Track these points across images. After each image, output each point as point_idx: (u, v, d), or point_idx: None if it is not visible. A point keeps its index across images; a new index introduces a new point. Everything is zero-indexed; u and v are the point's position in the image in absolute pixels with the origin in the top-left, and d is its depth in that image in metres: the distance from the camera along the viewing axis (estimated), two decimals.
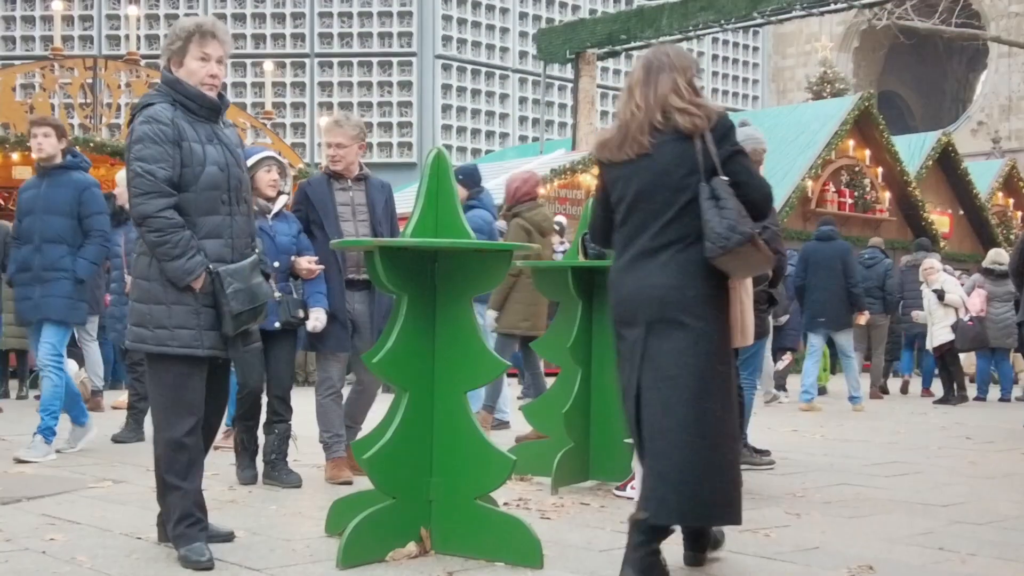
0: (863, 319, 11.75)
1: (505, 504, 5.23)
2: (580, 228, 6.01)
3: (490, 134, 31.21)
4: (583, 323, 5.88)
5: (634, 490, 5.52)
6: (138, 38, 17.44)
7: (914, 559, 4.21)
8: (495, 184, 18.52)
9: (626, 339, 3.83)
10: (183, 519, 3.95)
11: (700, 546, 4.05)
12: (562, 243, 10.91)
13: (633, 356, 3.77)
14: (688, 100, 3.80)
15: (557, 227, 11.06)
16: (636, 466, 5.50)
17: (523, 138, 30.80)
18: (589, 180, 18.07)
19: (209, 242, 4.00)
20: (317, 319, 5.71)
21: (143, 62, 16.72)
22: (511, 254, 4.18)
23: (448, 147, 30.00)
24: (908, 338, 14.67)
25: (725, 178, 3.69)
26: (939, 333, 12.52)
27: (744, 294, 5.92)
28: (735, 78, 35.07)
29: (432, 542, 4.13)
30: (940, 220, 22.49)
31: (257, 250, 4.19)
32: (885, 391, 14.03)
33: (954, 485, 6.16)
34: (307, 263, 5.76)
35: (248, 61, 29.48)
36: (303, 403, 6.32)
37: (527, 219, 7.91)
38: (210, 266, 3.96)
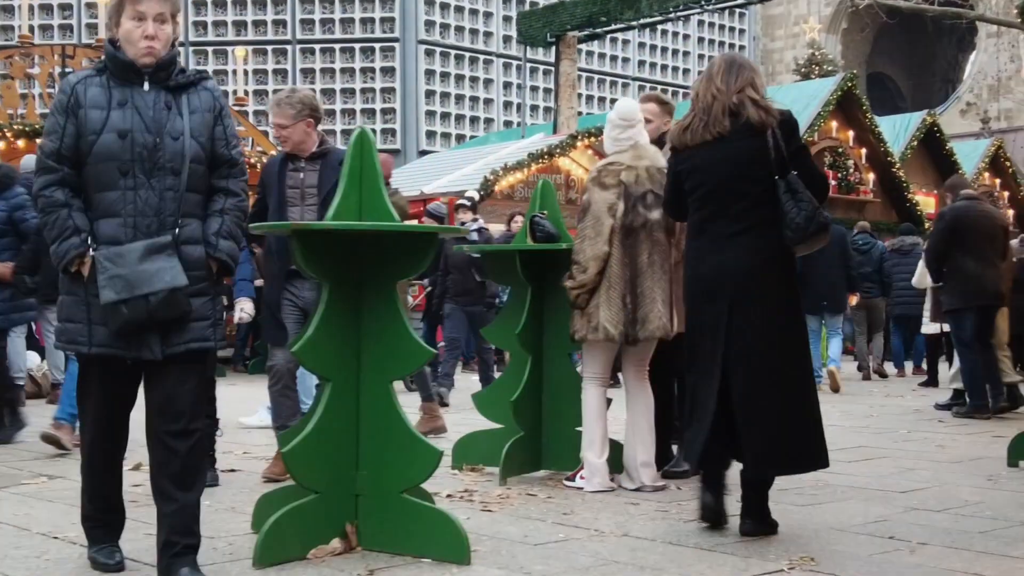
0: (855, 300, 12.32)
1: (449, 496, 5.09)
2: (530, 210, 5.84)
3: (474, 120, 31.02)
4: (532, 308, 5.71)
5: (583, 480, 5.37)
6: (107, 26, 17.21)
7: (861, 549, 4.05)
8: (474, 169, 18.40)
9: (707, 312, 4.29)
10: (89, 521, 3.77)
11: (761, 516, 4.31)
12: (475, 219, 10.44)
13: (716, 329, 4.23)
14: (760, 96, 4.31)
15: (468, 203, 10.52)
16: (586, 455, 5.37)
17: (508, 123, 30.62)
18: (568, 164, 17.89)
19: (104, 222, 3.47)
20: (242, 310, 5.51)
21: None
22: (436, 237, 4.00)
23: (432, 133, 29.87)
24: (894, 320, 14.43)
25: (795, 172, 4.21)
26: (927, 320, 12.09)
27: None
28: None
29: (359, 538, 3.97)
30: (925, 201, 22.33)
31: (179, 230, 3.52)
32: (883, 375, 13.93)
33: (918, 470, 6.00)
34: None
35: (229, 49, 29.20)
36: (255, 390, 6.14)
37: (394, 203, 7.50)
38: (90, 249, 3.45)
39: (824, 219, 4.23)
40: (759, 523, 4.28)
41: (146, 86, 3.55)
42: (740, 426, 4.19)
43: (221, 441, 7.15)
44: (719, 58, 4.47)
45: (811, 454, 4.27)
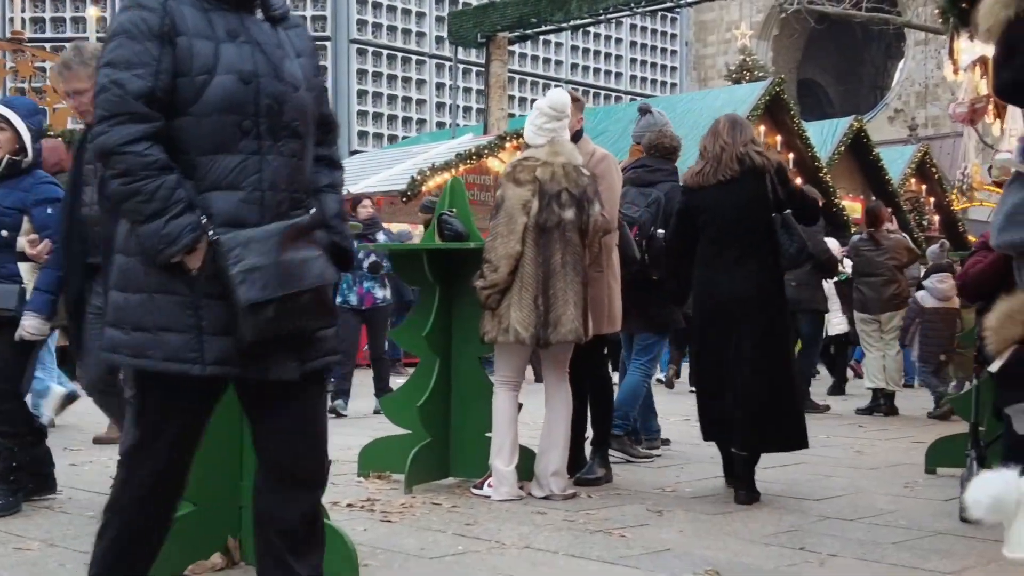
0: None
1: (349, 505, 4.88)
2: (439, 207, 5.63)
3: (406, 120, 30.77)
4: (441, 309, 5.50)
5: (491, 488, 5.18)
6: (23, 20, 16.74)
7: (768, 561, 3.89)
8: (402, 169, 18.17)
9: (716, 324, 5.19)
10: None
11: (752, 485, 5.17)
12: None
13: (727, 335, 5.12)
14: (761, 148, 5.33)
15: None
16: (494, 463, 5.17)
17: (440, 124, 30.40)
18: (497, 165, 17.72)
19: (219, 196, 2.55)
20: (22, 327, 4.64)
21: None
22: None
23: (364, 134, 29.55)
24: None
25: (789, 211, 5.18)
26: (835, 322, 11.50)
27: (612, 279, 5.63)
28: (653, 65, 34.98)
29: (242, 553, 3.74)
30: (852, 206, 22.48)
31: (312, 210, 2.69)
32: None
33: (835, 477, 5.89)
34: (28, 244, 4.69)
35: None
36: None
37: None
38: (210, 232, 2.52)
39: (810, 250, 5.33)
40: (751, 491, 5.11)
41: (259, 13, 2.70)
42: (738, 415, 5.07)
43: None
44: (722, 118, 5.40)
45: (798, 438, 5.22)
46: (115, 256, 2.67)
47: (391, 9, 30.46)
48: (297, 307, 2.55)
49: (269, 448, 2.71)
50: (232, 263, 2.48)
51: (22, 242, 4.76)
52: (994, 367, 3.11)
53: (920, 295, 9.32)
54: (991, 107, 6.94)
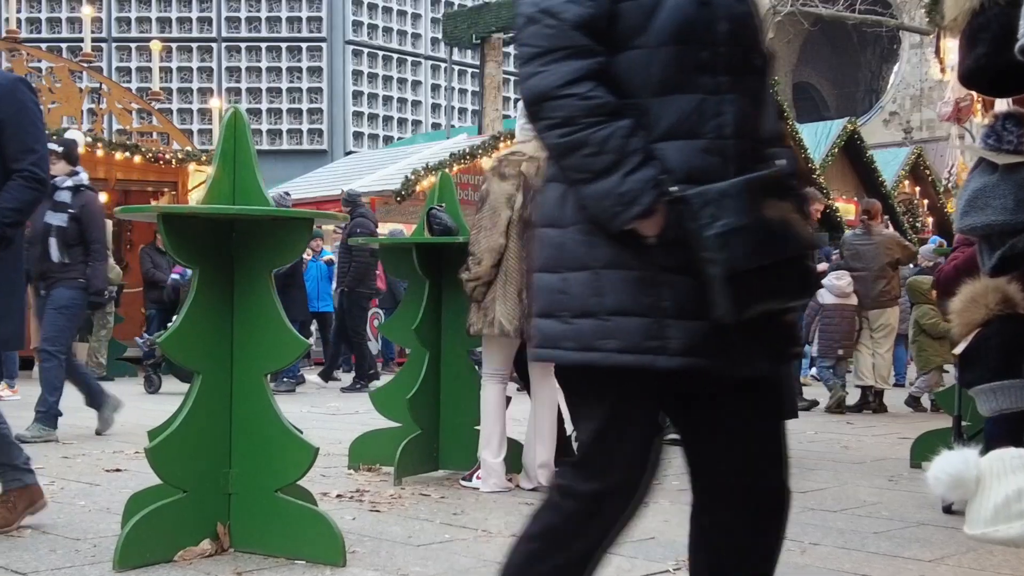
0: None
1: (339, 496, 4.93)
2: (428, 202, 5.69)
3: (402, 121, 30.86)
4: (430, 303, 5.56)
5: (480, 480, 5.23)
6: (19, 20, 16.78)
7: None
8: (396, 169, 18.22)
9: None
10: None
11: None
12: (75, 173, 6.97)
13: None
14: None
15: (60, 148, 6.92)
16: (483, 455, 5.22)
17: (436, 125, 30.49)
18: (490, 164, 17.78)
19: (675, 146, 2.06)
20: None
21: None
22: (311, 223, 3.83)
23: (359, 135, 29.63)
24: None
25: None
26: None
27: None
28: None
29: (231, 539, 3.79)
30: (845, 208, 22.57)
31: (779, 162, 2.13)
32: None
33: (820, 471, 5.95)
34: None
35: (133, 45, 28.84)
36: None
37: None
38: (672, 188, 2.02)
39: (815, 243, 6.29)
40: None
41: None
42: None
43: (112, 440, 6.93)
44: None
45: (794, 409, 6.06)
46: (540, 231, 2.20)
47: (386, 11, 30.55)
48: (783, 278, 2.07)
49: (723, 466, 2.26)
50: (706, 225, 2.00)
51: None
52: (958, 349, 3.16)
53: (819, 292, 9.49)
54: (977, 105, 7.01)
